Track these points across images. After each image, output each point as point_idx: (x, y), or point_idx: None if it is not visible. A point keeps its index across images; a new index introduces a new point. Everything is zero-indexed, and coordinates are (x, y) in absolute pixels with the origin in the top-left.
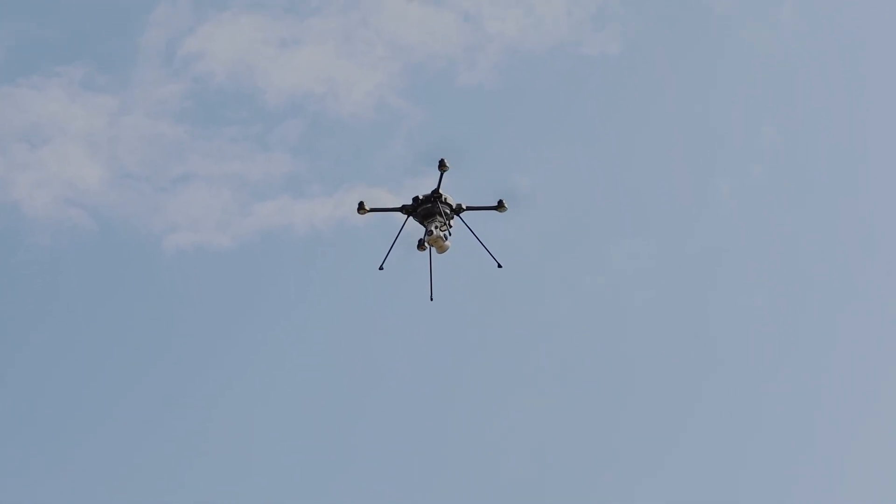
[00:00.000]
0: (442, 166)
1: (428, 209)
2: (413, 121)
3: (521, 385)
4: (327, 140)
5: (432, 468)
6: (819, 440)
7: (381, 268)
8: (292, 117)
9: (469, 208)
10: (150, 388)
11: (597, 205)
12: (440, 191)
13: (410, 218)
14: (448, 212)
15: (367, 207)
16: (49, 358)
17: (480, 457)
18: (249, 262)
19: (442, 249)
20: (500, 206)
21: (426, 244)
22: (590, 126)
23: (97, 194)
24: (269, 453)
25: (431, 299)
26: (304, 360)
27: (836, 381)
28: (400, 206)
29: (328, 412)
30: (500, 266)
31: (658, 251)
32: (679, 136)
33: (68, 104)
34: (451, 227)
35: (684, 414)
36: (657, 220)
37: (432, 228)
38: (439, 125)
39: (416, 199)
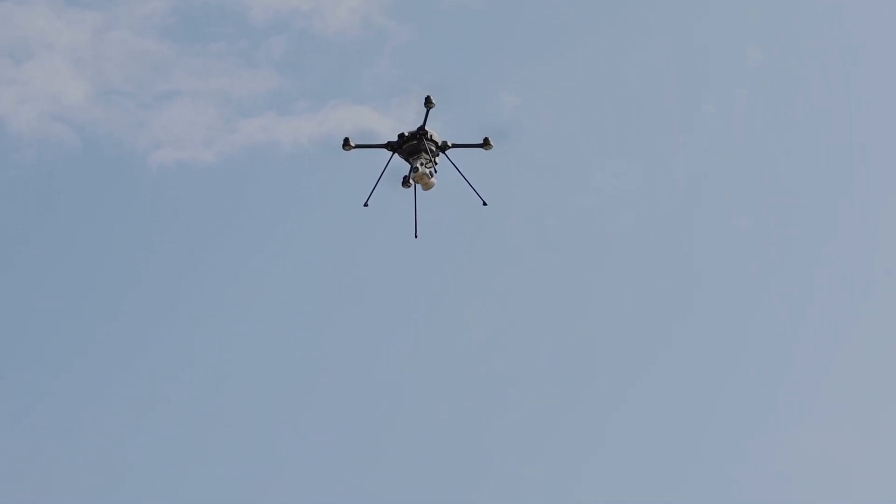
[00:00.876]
0: (428, 103)
1: (413, 146)
2: (399, 39)
3: (504, 314)
4: (313, 57)
5: (412, 396)
6: (800, 364)
7: (365, 204)
8: (278, 34)
9: (455, 145)
10: (134, 304)
11: (583, 126)
12: (426, 128)
13: (395, 155)
14: (433, 149)
15: (352, 144)
16: (34, 274)
17: (461, 385)
18: (234, 178)
19: (427, 186)
20: (485, 143)
21: (411, 181)
22: (576, 47)
23: (82, 110)
24: (250, 372)
25: (416, 237)
26: (287, 278)
27: (819, 304)
28: (385, 142)
29: (309, 330)
30: (485, 204)
31: (644, 172)
32: (665, 58)
33: (53, 19)
34: (436, 164)
35: (667, 335)
36: (643, 142)
37: (417, 165)
38: (425, 44)
39: (401, 135)
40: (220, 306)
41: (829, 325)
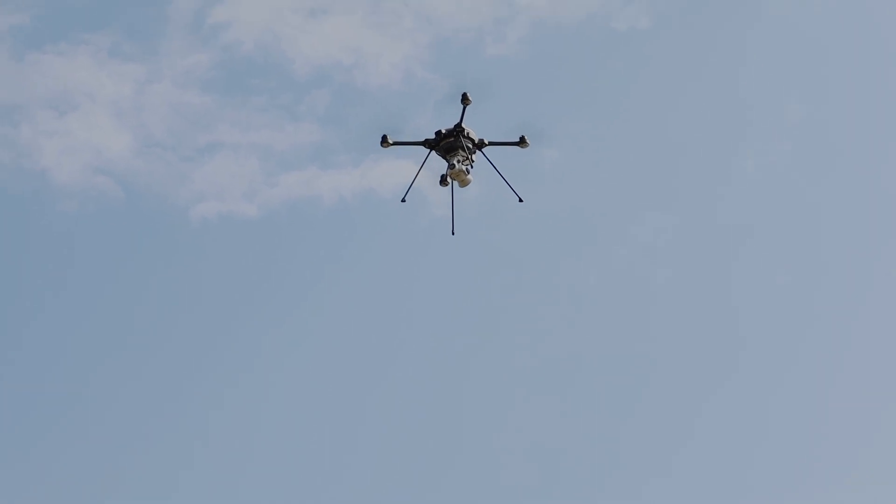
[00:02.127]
0: (465, 100)
1: (450, 143)
2: (441, 93)
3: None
4: (355, 110)
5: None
6: (838, 422)
7: (403, 200)
8: (320, 87)
9: (491, 143)
10: (173, 356)
11: (623, 178)
12: (463, 125)
13: (433, 152)
14: (470, 146)
15: (390, 141)
16: (74, 324)
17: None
18: (275, 231)
19: (464, 183)
20: (522, 141)
21: (448, 178)
22: (617, 100)
23: (124, 162)
24: (289, 425)
25: (453, 234)
26: (326, 332)
27: (857, 362)
28: (423, 140)
29: (346, 384)
30: (521, 200)
31: (682, 226)
32: (706, 111)
33: (96, 72)
34: (473, 161)
35: (705, 391)
36: (682, 195)
37: (454, 162)
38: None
39: (438, 132)
40: (258, 359)
41: (870, 385)
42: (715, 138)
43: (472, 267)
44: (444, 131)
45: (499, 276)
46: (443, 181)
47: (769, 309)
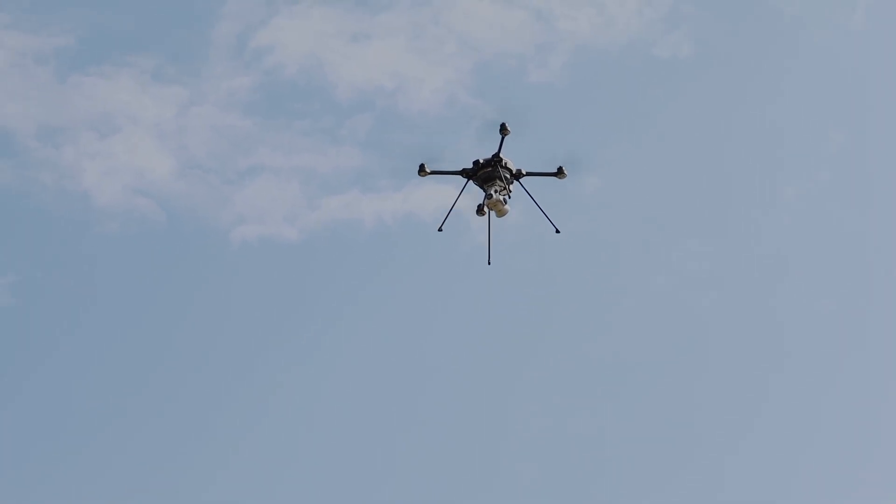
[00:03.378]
0: (503, 130)
1: (488, 173)
2: (483, 118)
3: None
4: (396, 135)
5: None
6: (881, 447)
7: (440, 229)
8: (362, 112)
9: (529, 174)
10: (212, 378)
11: (663, 205)
12: (500, 155)
13: (470, 181)
14: (508, 176)
15: (427, 170)
16: (114, 344)
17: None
18: (316, 255)
19: (501, 213)
20: (560, 172)
21: (485, 208)
22: (658, 128)
23: (166, 184)
24: (329, 448)
25: (489, 263)
26: (367, 354)
27: None
28: (460, 169)
29: (389, 405)
30: (557, 231)
31: (724, 253)
32: (747, 139)
33: (139, 94)
34: (510, 191)
35: (748, 417)
36: (723, 223)
37: (492, 192)
38: (508, 123)
39: (476, 162)
40: (296, 381)
41: None
42: (755, 166)
43: (509, 294)
44: (482, 161)
45: (535, 302)
46: (479, 210)
47: (812, 336)
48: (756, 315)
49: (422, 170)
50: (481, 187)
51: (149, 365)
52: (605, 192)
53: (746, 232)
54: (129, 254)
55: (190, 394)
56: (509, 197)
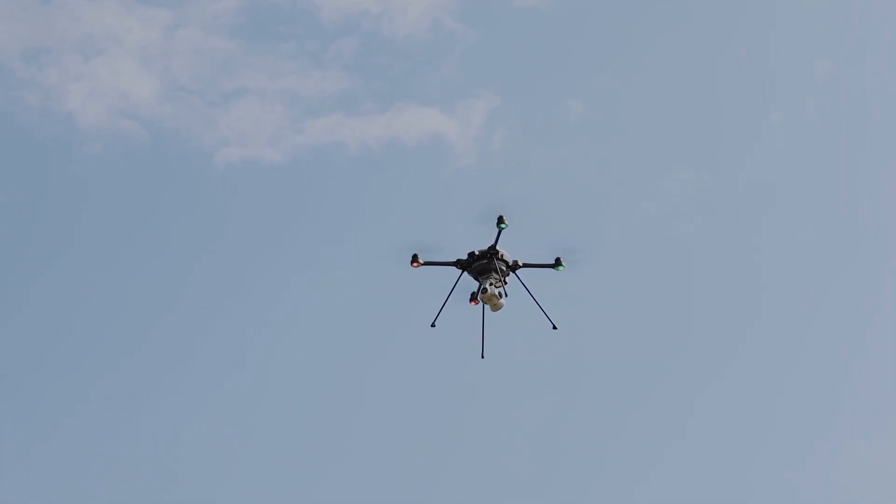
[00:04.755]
0: (500, 223)
1: (483, 265)
2: (467, 42)
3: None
4: (381, 59)
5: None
6: (862, 375)
7: (433, 325)
8: (347, 35)
9: (526, 265)
10: (196, 299)
11: (649, 133)
12: (497, 247)
13: (465, 273)
14: (504, 269)
15: (421, 260)
16: (98, 266)
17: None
18: (299, 178)
19: (496, 307)
20: (557, 263)
21: (480, 300)
22: (646, 56)
23: (150, 107)
24: (312, 372)
25: (483, 357)
26: (350, 277)
27: (885, 316)
28: (454, 260)
29: (369, 332)
30: (555, 328)
31: (710, 180)
32: (734, 66)
33: (123, 16)
34: (506, 283)
35: (730, 343)
36: (710, 150)
37: (487, 286)
38: (493, 48)
39: (471, 254)
40: (281, 302)
41: (894, 337)
42: (741, 93)
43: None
44: (477, 253)
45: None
46: (473, 299)
47: (794, 264)
48: (742, 242)
49: (414, 260)
50: (476, 279)
51: (132, 287)
52: (592, 119)
53: (733, 159)
54: (113, 175)
55: (173, 317)
56: (505, 292)
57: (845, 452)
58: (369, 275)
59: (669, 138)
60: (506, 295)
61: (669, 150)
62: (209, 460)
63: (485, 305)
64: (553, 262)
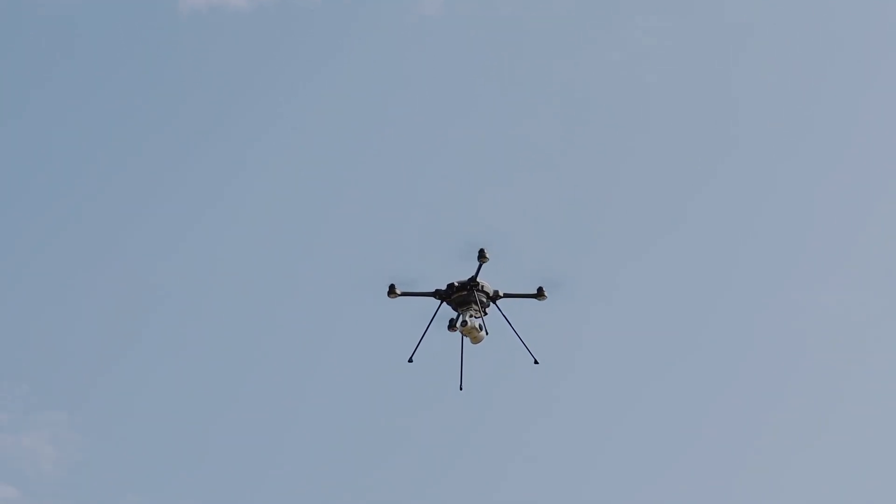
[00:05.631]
0: (481, 257)
1: (463, 297)
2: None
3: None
4: None
5: None
6: (830, 218)
7: (410, 360)
8: None
9: (507, 295)
10: (161, 145)
11: None
12: (477, 279)
13: (444, 304)
14: (484, 300)
15: (398, 291)
16: (60, 115)
17: None
18: (265, 26)
19: (476, 340)
20: (539, 294)
21: (460, 332)
22: None
23: None
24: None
25: (461, 388)
26: (313, 129)
27: (850, 163)
28: (433, 290)
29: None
30: (536, 362)
31: (675, 28)
32: None
33: None
34: (486, 314)
35: (693, 192)
36: None
37: (466, 318)
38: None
39: (451, 285)
40: (249, 149)
41: (858, 186)
42: None
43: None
44: (457, 284)
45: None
46: (451, 326)
47: (765, 112)
48: (709, 90)
49: (391, 291)
50: (455, 310)
51: (91, 138)
52: None
53: (702, 7)
54: (76, 21)
55: (137, 164)
56: (486, 315)
57: (801, 302)
58: (335, 122)
59: None
60: (486, 327)
61: None
62: None
63: (464, 338)
64: (536, 291)
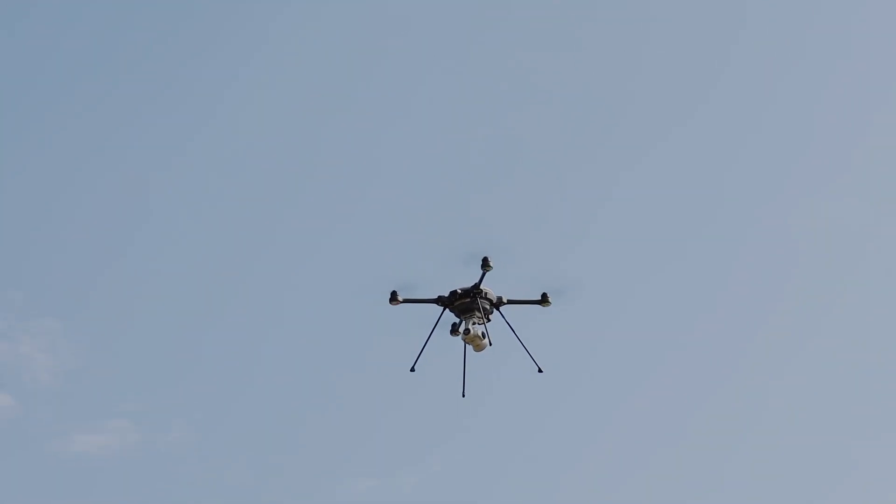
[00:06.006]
0: (485, 265)
1: (466, 304)
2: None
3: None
4: None
5: None
6: (820, 133)
7: (412, 370)
8: None
9: (511, 302)
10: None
11: None
12: (481, 286)
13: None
14: (487, 307)
15: (400, 298)
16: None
17: None
18: None
19: (479, 348)
20: (543, 300)
21: (462, 338)
22: None
23: None
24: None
25: (463, 396)
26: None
27: (842, 84)
28: (436, 297)
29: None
30: (540, 371)
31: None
32: None
33: None
34: (489, 320)
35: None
36: None
37: (469, 326)
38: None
39: (454, 292)
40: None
41: (852, 99)
42: None
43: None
44: (460, 291)
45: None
46: (453, 331)
47: (767, 21)
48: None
49: (393, 298)
50: (458, 317)
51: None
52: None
53: None
54: None
55: (136, 73)
56: (489, 321)
57: (798, 209)
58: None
59: None
60: (489, 336)
61: None
62: None
63: (467, 346)
64: (540, 297)
